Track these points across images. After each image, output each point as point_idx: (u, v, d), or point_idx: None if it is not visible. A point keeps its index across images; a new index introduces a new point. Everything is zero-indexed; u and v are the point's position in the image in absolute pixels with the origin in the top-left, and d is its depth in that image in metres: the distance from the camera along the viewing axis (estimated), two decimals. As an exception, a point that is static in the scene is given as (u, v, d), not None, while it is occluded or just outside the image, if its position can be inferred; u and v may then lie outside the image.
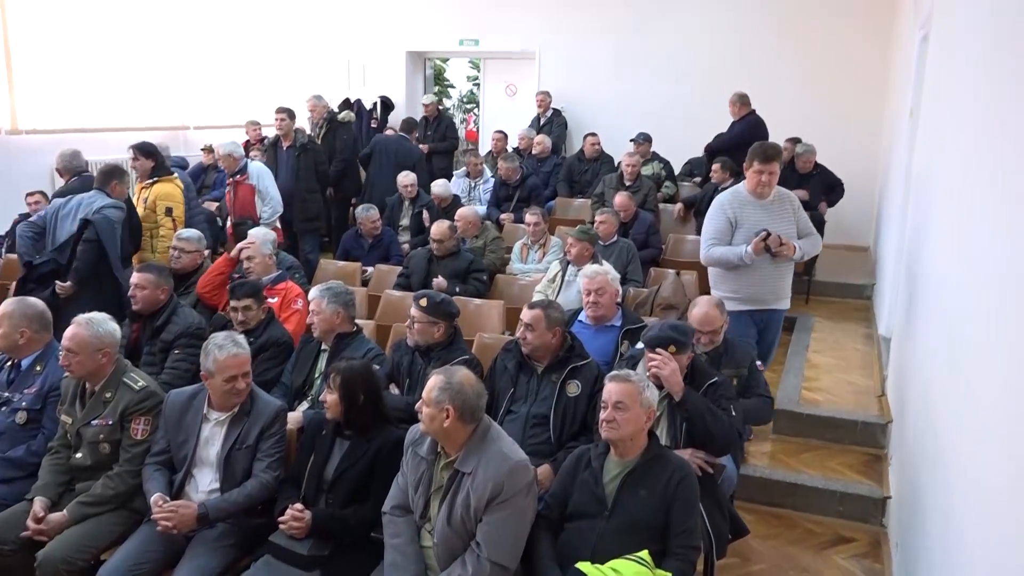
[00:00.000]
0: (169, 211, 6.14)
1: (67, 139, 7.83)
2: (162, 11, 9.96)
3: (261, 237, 5.37)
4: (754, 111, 8.09)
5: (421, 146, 9.64)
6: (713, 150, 8.08)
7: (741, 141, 7.93)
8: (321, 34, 12.12)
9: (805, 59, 9.78)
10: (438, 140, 10.01)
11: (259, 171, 7.04)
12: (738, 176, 7.60)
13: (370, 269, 6.79)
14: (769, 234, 4.60)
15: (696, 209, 7.98)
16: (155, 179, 6.16)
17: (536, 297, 5.71)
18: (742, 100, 8.07)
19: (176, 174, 6.57)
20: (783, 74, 9.83)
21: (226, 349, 3.43)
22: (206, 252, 5.59)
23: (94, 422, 3.59)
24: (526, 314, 3.86)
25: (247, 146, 10.01)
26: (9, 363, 3.96)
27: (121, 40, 9.29)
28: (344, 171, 8.66)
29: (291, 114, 7.78)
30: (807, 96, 9.48)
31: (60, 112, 8.63)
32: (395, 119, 11.66)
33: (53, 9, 8.37)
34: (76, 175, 5.98)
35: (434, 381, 2.99)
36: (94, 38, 8.91)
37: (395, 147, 8.84)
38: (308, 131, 8.46)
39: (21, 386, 3.88)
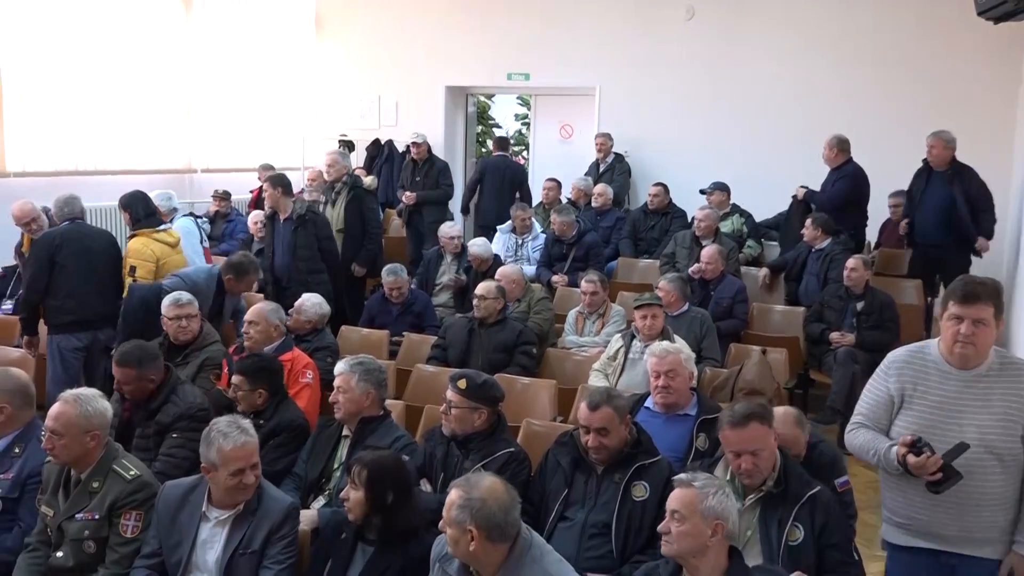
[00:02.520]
0: (132, 270, 6.35)
1: (60, 183, 8.08)
2: (169, 45, 10.33)
3: (272, 306, 5.51)
4: (852, 159, 8.06)
5: (407, 194, 9.80)
6: (815, 208, 8.01)
7: (845, 200, 7.91)
8: (346, 68, 12.46)
9: (919, 97, 9.74)
10: (429, 187, 9.91)
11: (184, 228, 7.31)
12: (835, 234, 7.57)
13: (399, 338, 6.82)
14: (923, 446, 3.17)
15: (787, 274, 7.92)
16: (133, 233, 6.51)
17: (594, 378, 5.70)
18: (841, 146, 8.07)
19: (169, 225, 6.93)
20: (891, 116, 9.79)
21: (232, 438, 3.44)
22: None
23: (78, 516, 3.61)
24: (593, 416, 3.76)
25: (260, 193, 10.26)
26: (-16, 443, 4.02)
27: (122, 77, 9.63)
28: (378, 250, 8.19)
29: (281, 182, 7.28)
30: (917, 143, 9.41)
31: (54, 154, 8.93)
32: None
33: (49, 45, 8.72)
34: (68, 221, 6.20)
35: (452, 497, 2.96)
36: (93, 75, 9.24)
37: (503, 166, 10.28)
38: (310, 195, 8.50)
39: (-4, 470, 3.93)
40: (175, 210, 7.71)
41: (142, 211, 6.55)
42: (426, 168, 9.99)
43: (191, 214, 8.33)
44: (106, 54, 9.42)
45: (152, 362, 4.49)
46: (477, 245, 7.94)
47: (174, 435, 4.36)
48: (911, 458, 3.16)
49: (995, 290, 3.21)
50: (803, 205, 8.43)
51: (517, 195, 9.99)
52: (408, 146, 11.23)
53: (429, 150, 10.12)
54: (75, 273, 5.96)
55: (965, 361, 3.23)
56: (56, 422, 3.62)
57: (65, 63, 8.95)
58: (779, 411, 3.96)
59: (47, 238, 6.08)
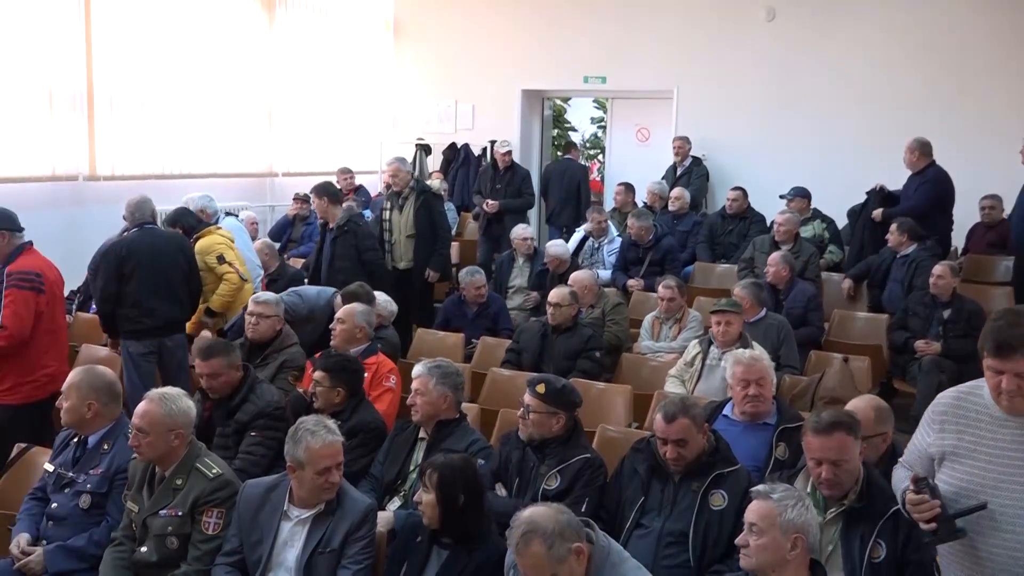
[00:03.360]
0: (221, 259, 6.56)
1: (147, 186, 8.31)
2: (252, 52, 10.55)
3: (363, 308, 5.57)
4: (935, 162, 7.85)
5: (489, 202, 9.64)
6: (892, 214, 7.82)
7: (929, 205, 7.71)
8: (423, 73, 12.57)
9: (1007, 101, 9.44)
10: (511, 195, 9.72)
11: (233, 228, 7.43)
12: (921, 240, 7.38)
13: (474, 341, 6.86)
14: (923, 486, 2.78)
15: (870, 280, 7.74)
16: (197, 236, 6.68)
17: (670, 384, 5.65)
18: (923, 149, 7.87)
19: (219, 224, 7.11)
20: (978, 120, 9.50)
21: (320, 436, 3.49)
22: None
23: (162, 512, 3.70)
24: (670, 428, 3.72)
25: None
26: (75, 439, 4.15)
27: (207, 83, 9.87)
28: (447, 253, 8.19)
29: (326, 191, 7.33)
30: (1006, 147, 9.12)
31: (142, 157, 9.19)
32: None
33: (138, 52, 8.98)
34: (137, 226, 6.13)
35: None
36: (179, 81, 9.49)
37: (565, 168, 10.71)
38: (365, 207, 8.59)
39: (86, 466, 4.05)
40: (217, 212, 7.77)
41: (193, 219, 6.78)
42: (508, 176, 9.82)
43: (232, 214, 8.39)
44: (192, 61, 9.66)
45: (236, 354, 4.68)
46: (556, 246, 7.97)
47: (252, 433, 4.46)
48: (909, 494, 2.81)
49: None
50: (880, 200, 8.25)
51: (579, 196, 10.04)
52: (484, 149, 11.32)
53: (512, 163, 9.97)
54: (143, 283, 5.87)
55: (1015, 410, 2.74)
56: (142, 420, 3.72)
57: (153, 69, 9.20)
58: (861, 400, 3.92)
59: (115, 248, 6.02)
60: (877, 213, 8.08)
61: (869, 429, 3.72)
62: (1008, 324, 2.66)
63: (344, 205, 7.59)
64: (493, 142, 11.73)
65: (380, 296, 6.34)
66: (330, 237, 7.23)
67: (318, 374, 4.60)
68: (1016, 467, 2.74)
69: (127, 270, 5.88)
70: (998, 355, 2.67)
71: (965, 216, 8.62)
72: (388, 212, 7.90)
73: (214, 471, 3.76)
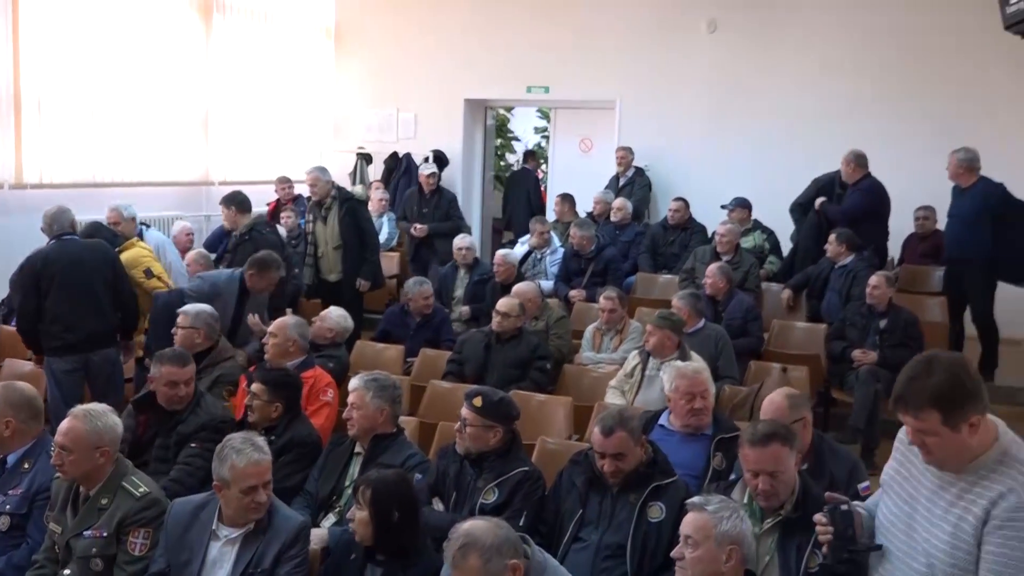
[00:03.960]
0: (148, 273, 6.49)
1: (78, 194, 8.14)
2: (188, 57, 10.38)
3: (295, 320, 5.52)
4: (870, 174, 8.02)
5: (417, 226, 9.48)
6: (830, 222, 7.98)
7: (862, 213, 7.87)
8: (365, 81, 12.49)
9: (944, 112, 9.65)
10: (439, 219, 9.50)
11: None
12: (859, 250, 7.53)
13: (410, 361, 6.79)
14: (830, 510, 2.75)
15: (809, 290, 7.87)
16: (120, 248, 6.56)
17: (610, 395, 5.67)
18: (858, 160, 8.04)
19: (138, 237, 7.04)
20: (917, 131, 9.70)
21: (245, 455, 3.44)
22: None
23: (86, 533, 3.60)
24: (608, 442, 3.73)
25: (277, 206, 10.29)
26: (-6, 459, 4.03)
27: (140, 88, 9.66)
28: (377, 260, 8.04)
29: (233, 200, 7.30)
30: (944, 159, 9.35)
31: (72, 165, 8.98)
32: (449, 177, 11.87)
33: (67, 56, 8.76)
34: (55, 238, 5.90)
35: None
36: (111, 86, 9.26)
37: (521, 178, 11.30)
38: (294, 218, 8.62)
39: (5, 486, 3.94)
40: (138, 224, 7.58)
41: (108, 233, 6.67)
42: (435, 199, 9.59)
43: (144, 224, 8.09)
44: (124, 65, 9.46)
45: (192, 364, 4.67)
46: (504, 255, 7.99)
47: (192, 445, 4.40)
48: (818, 515, 2.79)
49: (939, 394, 2.41)
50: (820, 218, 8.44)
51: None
52: (426, 159, 11.26)
53: (439, 184, 9.75)
54: (63, 296, 5.67)
55: (933, 465, 2.58)
56: (65, 437, 3.62)
57: (83, 73, 8.98)
58: (776, 393, 3.98)
59: (31, 262, 5.80)
60: (818, 202, 8.25)
61: (786, 418, 3.78)
62: (906, 377, 2.50)
63: (254, 214, 7.48)
64: (437, 152, 11.72)
65: (338, 311, 6.31)
66: (231, 245, 7.17)
67: (256, 387, 4.54)
68: (914, 520, 2.61)
69: (44, 284, 5.68)
70: (895, 408, 2.55)
71: (902, 226, 8.81)
72: (312, 224, 7.75)
73: (141, 490, 3.69)
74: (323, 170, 7.83)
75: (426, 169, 9.85)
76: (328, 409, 5.12)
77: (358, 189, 8.53)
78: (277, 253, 6.83)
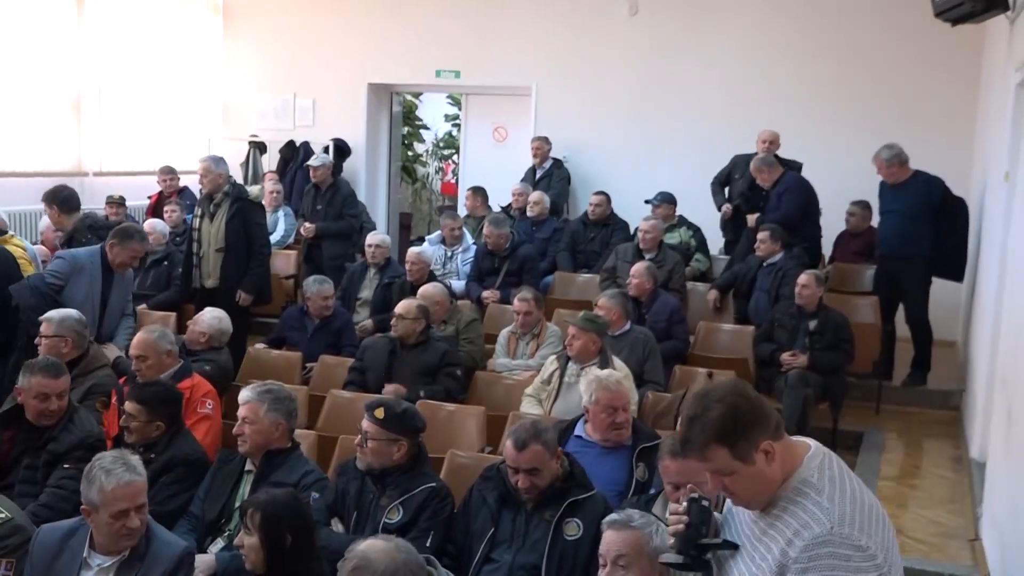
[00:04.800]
0: None
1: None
2: (58, 33, 10.10)
3: (158, 332, 5.36)
4: (786, 170, 8.35)
5: (306, 225, 9.37)
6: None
7: (800, 211, 8.15)
8: (258, 63, 12.32)
9: (877, 101, 9.95)
10: (332, 218, 9.29)
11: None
12: (789, 248, 7.70)
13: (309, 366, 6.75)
14: (692, 501, 2.62)
15: (736, 290, 8.01)
16: None
17: (526, 404, 5.69)
18: (768, 164, 8.34)
19: (12, 233, 6.80)
20: (849, 120, 9.99)
21: (115, 475, 3.36)
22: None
23: (-61, 566, 3.49)
24: (521, 456, 3.75)
25: (159, 199, 10.09)
26: None
27: (1, 67, 9.40)
28: (266, 273, 7.69)
29: (56, 198, 7.16)
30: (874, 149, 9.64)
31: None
32: (352, 168, 11.79)
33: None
34: None
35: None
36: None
37: None
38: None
39: None
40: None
41: None
42: (329, 195, 9.37)
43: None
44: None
45: (66, 376, 4.54)
46: (417, 253, 7.93)
47: (66, 466, 4.28)
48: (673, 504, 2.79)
49: (719, 427, 2.38)
50: (731, 223, 8.86)
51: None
52: (326, 149, 11.16)
53: (335, 173, 9.54)
54: None
55: (743, 507, 2.55)
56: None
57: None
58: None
59: None
60: (752, 219, 8.42)
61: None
62: (685, 420, 2.46)
63: (81, 213, 7.27)
64: (337, 141, 11.62)
65: (211, 312, 6.21)
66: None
67: (132, 407, 4.44)
68: (743, 552, 2.54)
69: None
70: (685, 456, 2.55)
71: (833, 223, 9.05)
72: (199, 220, 7.49)
73: (2, 515, 3.59)
74: (217, 160, 7.57)
75: (315, 161, 9.67)
76: (208, 423, 5.03)
77: (254, 189, 8.22)
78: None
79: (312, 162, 9.69)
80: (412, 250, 8.04)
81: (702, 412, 2.39)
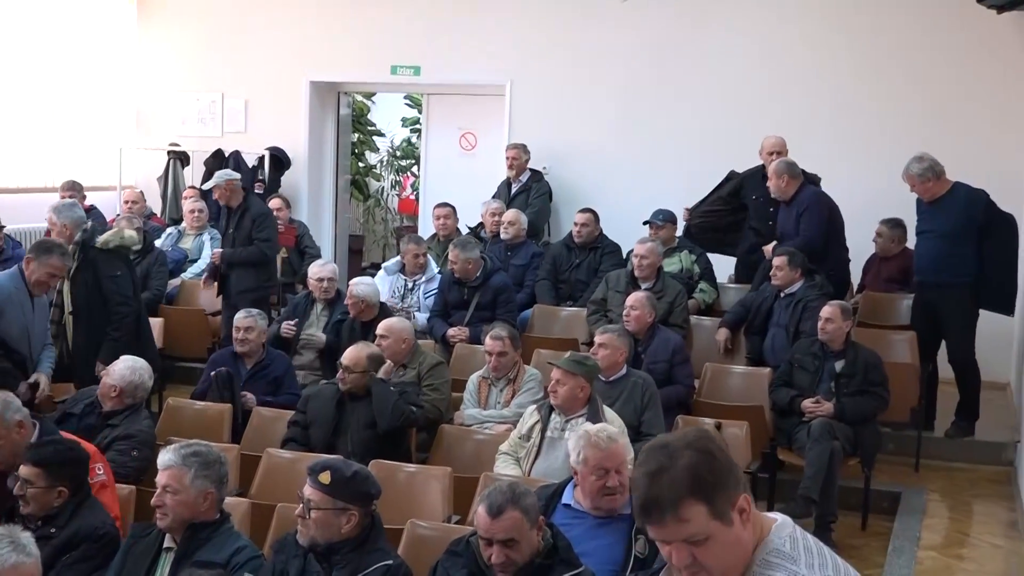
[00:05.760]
0: None
1: None
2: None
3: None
4: (806, 183, 8.34)
5: (214, 252, 9.28)
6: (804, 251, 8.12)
7: (823, 233, 8.20)
8: (178, 60, 12.37)
9: (908, 105, 10.04)
10: (242, 242, 8.97)
11: None
12: (810, 275, 7.73)
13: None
14: None
15: (748, 326, 8.04)
16: None
17: (501, 464, 5.68)
18: (791, 171, 8.31)
19: None
20: (876, 127, 10.08)
21: (2, 557, 3.33)
22: None
23: None
24: (496, 525, 3.73)
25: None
26: None
27: None
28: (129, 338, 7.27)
29: None
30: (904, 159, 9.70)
31: None
32: (291, 182, 11.79)
33: None
34: None
35: None
36: None
37: None
38: (128, 223, 8.39)
39: None
40: None
41: None
42: (238, 217, 9.03)
43: None
44: None
45: None
46: (362, 285, 7.92)
47: None
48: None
49: (695, 477, 2.31)
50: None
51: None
52: (260, 159, 11.14)
53: (247, 196, 9.18)
54: None
55: None
56: None
57: None
58: None
59: None
60: (768, 249, 8.40)
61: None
62: (644, 475, 2.35)
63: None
64: (273, 150, 11.62)
65: (125, 361, 6.08)
66: None
67: (28, 471, 4.41)
68: None
69: None
70: (646, 522, 2.38)
71: (862, 246, 9.08)
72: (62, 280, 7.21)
73: None
74: (60, 209, 7.35)
75: (212, 181, 9.29)
76: (105, 491, 4.94)
77: (124, 231, 7.64)
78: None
79: (206, 185, 9.40)
80: (353, 283, 7.98)
81: (669, 463, 2.29)
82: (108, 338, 7.12)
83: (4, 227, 9.34)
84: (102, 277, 7.20)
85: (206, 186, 9.54)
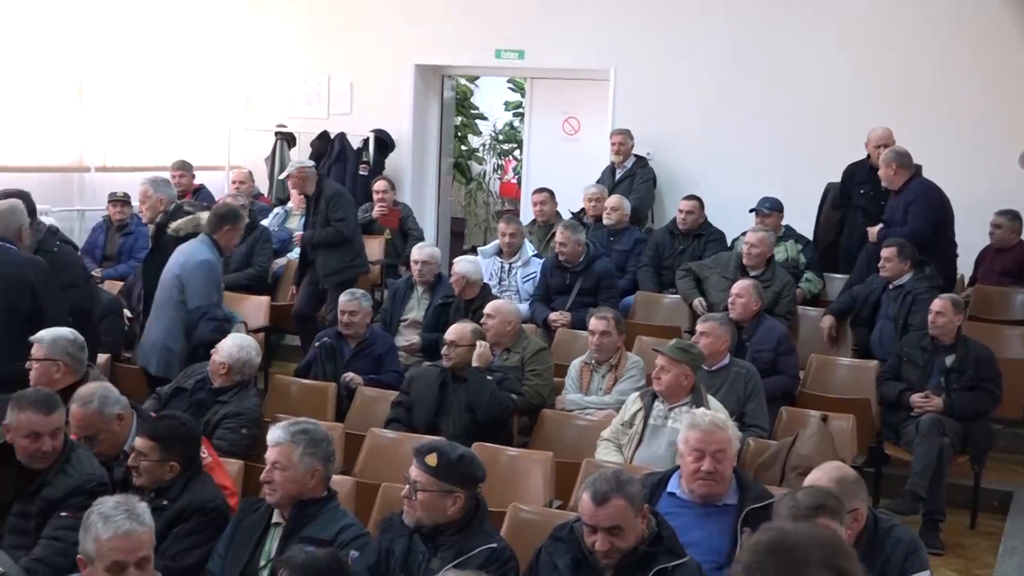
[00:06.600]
0: None
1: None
2: (57, 10, 10.32)
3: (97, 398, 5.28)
4: (918, 172, 8.17)
5: (296, 235, 9.38)
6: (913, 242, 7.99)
7: (931, 225, 8.03)
8: (287, 42, 12.47)
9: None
10: (320, 225, 8.96)
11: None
12: (920, 267, 7.59)
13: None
14: None
15: (854, 317, 7.92)
16: None
17: (603, 450, 5.69)
18: (900, 160, 8.14)
19: None
20: (990, 112, 9.82)
21: (113, 523, 3.39)
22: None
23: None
24: (601, 512, 3.71)
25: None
26: None
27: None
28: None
29: None
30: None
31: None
32: (396, 164, 11.87)
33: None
34: None
35: None
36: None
37: None
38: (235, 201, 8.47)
39: None
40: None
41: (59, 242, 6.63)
42: (314, 202, 9.07)
43: None
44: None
45: (61, 410, 4.57)
46: (465, 263, 7.98)
47: (63, 514, 4.32)
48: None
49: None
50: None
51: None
52: (365, 141, 11.22)
53: (320, 180, 9.14)
54: None
55: None
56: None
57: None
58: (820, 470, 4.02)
59: None
60: (873, 232, 8.30)
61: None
62: None
63: (48, 222, 7.22)
64: (378, 132, 11.71)
65: (233, 339, 6.23)
66: None
67: (143, 443, 4.51)
68: None
69: None
70: None
71: (974, 237, 8.89)
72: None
73: (-3, 570, 3.65)
74: (157, 183, 7.56)
75: (290, 167, 9.35)
76: (213, 473, 4.94)
77: (198, 219, 7.42)
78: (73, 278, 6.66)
79: (288, 169, 9.38)
80: (456, 261, 8.10)
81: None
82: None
83: (130, 199, 9.64)
84: (164, 254, 7.28)
85: (281, 176, 9.63)
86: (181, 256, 6.94)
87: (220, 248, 6.97)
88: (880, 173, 8.25)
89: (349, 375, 6.96)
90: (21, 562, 4.03)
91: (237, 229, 7.15)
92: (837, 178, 9.38)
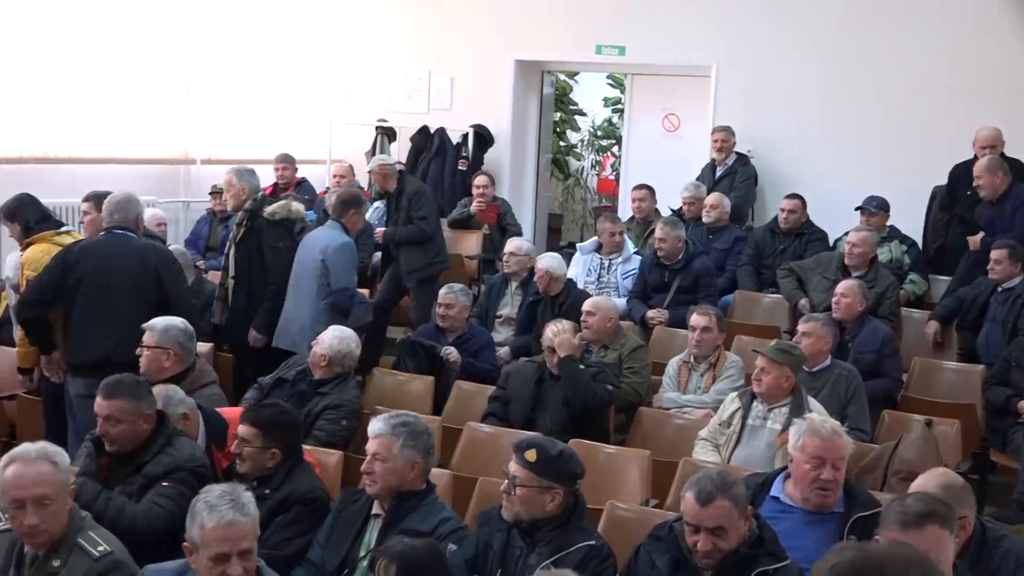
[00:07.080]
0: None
1: (23, 172, 8.41)
2: (163, 6, 10.58)
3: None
4: (1016, 183, 8.00)
5: (378, 230, 9.37)
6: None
7: None
8: (388, 37, 12.56)
9: None
10: (403, 223, 8.98)
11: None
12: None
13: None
14: None
15: (960, 320, 7.77)
16: (28, 241, 6.67)
17: (700, 450, 5.67)
18: (1003, 168, 7.97)
19: (71, 227, 7.16)
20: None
21: (218, 513, 3.43)
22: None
23: (33, 605, 3.66)
24: (705, 513, 3.70)
25: (275, 191, 10.41)
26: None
27: (102, 46, 9.89)
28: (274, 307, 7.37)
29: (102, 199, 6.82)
30: None
31: (19, 138, 9.24)
32: (494, 160, 11.91)
33: (12, 8, 9.04)
34: (106, 230, 6.28)
35: None
36: (68, 43, 9.51)
37: None
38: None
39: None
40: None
41: (33, 216, 6.78)
42: (396, 199, 9.10)
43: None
44: (85, 23, 9.68)
45: (148, 396, 4.66)
46: (547, 257, 7.99)
47: (165, 484, 4.46)
48: None
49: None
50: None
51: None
52: (464, 136, 11.28)
53: (402, 177, 9.20)
54: (81, 304, 6.00)
55: None
56: (21, 489, 3.63)
57: (34, 30, 9.21)
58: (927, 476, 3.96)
59: (67, 249, 6.19)
60: (975, 240, 8.14)
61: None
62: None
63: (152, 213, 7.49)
64: (477, 127, 11.76)
65: (335, 331, 6.27)
66: None
67: (246, 430, 4.60)
68: None
69: (71, 283, 6.00)
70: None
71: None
72: (231, 244, 7.56)
73: (100, 548, 3.72)
74: (243, 173, 7.56)
75: (374, 164, 9.40)
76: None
77: (291, 203, 7.63)
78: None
79: (372, 164, 9.48)
80: (539, 257, 8.05)
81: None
82: (263, 307, 7.33)
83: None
84: (265, 247, 7.37)
85: (374, 163, 9.67)
86: (319, 241, 7.26)
87: (347, 232, 7.33)
88: (982, 181, 8.06)
89: (448, 348, 7.07)
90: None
91: (361, 213, 7.64)
92: (942, 179, 9.22)
